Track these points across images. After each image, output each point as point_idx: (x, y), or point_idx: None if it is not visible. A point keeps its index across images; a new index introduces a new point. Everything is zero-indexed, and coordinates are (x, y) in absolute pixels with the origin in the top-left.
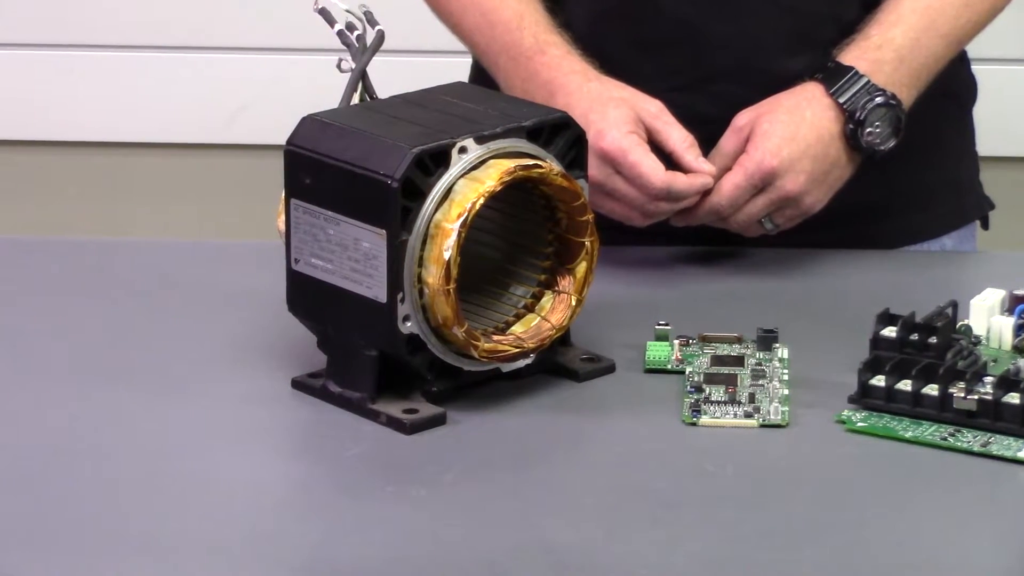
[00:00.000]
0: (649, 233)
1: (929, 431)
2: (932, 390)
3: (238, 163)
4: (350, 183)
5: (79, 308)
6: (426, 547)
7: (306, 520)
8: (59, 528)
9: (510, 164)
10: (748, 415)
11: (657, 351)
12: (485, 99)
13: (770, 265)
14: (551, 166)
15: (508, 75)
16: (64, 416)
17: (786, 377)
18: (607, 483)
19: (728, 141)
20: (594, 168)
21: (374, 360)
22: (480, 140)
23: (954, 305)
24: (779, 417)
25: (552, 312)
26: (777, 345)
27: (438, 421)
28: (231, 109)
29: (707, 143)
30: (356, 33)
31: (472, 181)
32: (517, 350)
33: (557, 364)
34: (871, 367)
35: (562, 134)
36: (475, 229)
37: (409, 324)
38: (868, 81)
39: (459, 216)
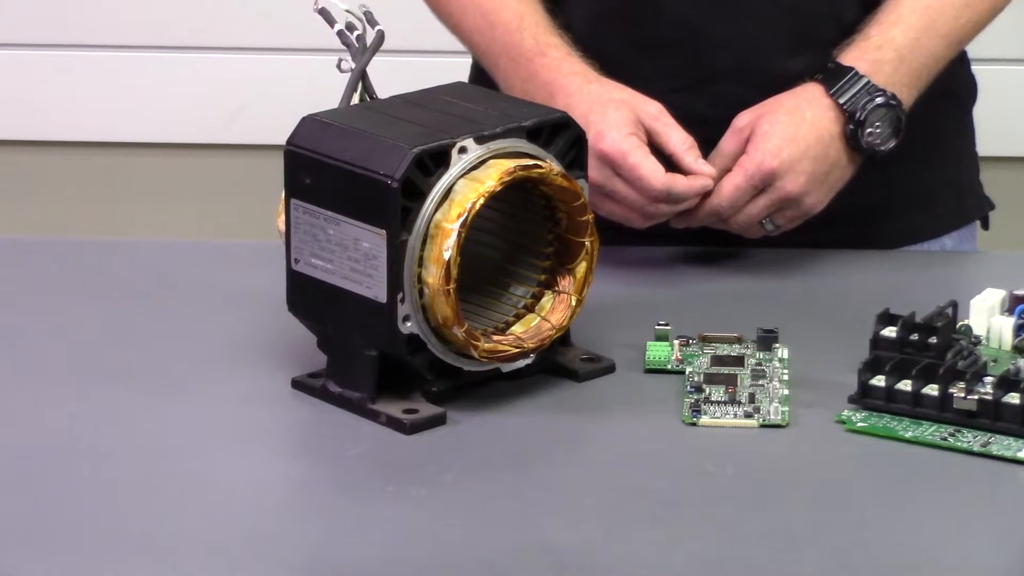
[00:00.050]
0: (649, 234)
1: (929, 431)
2: (932, 390)
3: (238, 163)
4: (350, 183)
5: (79, 308)
6: (426, 547)
7: (306, 520)
8: (59, 528)
9: (510, 164)
10: (748, 415)
11: (657, 351)
12: (485, 99)
13: (770, 265)
14: (551, 166)
15: (508, 76)
16: (64, 416)
17: (786, 377)
18: (607, 483)
19: (728, 142)
20: (594, 170)
21: (374, 360)
22: (480, 140)
23: (954, 305)
24: (779, 417)
25: (552, 312)
26: (777, 345)
27: (438, 421)
28: (231, 109)
29: (707, 143)
30: (356, 33)
31: (472, 181)
32: (517, 350)
33: (557, 364)
34: (871, 367)
35: (562, 134)
36: (475, 229)
37: (409, 324)
38: (868, 81)
39: (459, 216)
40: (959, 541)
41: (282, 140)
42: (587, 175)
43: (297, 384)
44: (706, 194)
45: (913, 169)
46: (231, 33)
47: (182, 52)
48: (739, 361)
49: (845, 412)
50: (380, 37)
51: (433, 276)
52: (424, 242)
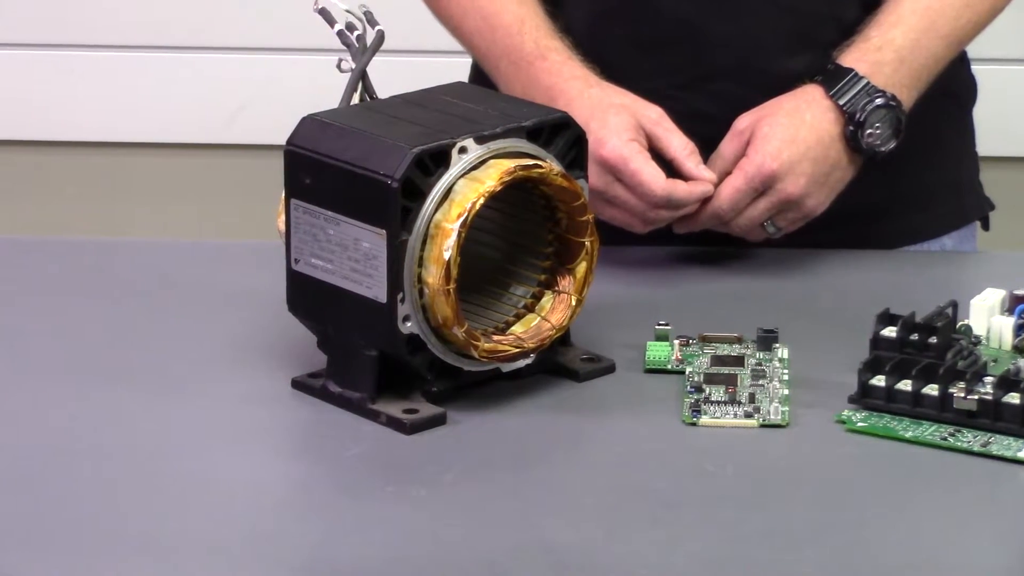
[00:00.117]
0: (649, 234)
1: (929, 431)
2: (932, 390)
3: (238, 163)
4: (350, 183)
5: (79, 308)
6: (426, 547)
7: (306, 520)
8: (59, 528)
9: (510, 164)
10: (748, 415)
11: (657, 351)
12: (485, 99)
13: (770, 265)
14: (551, 166)
15: (508, 79)
16: (64, 416)
17: (786, 377)
18: (607, 483)
19: (728, 145)
20: (595, 176)
21: (374, 360)
22: (480, 140)
23: (954, 305)
24: (779, 417)
25: (552, 312)
26: (777, 345)
27: (438, 421)
28: (231, 109)
29: (707, 143)
30: (356, 33)
31: (472, 181)
32: (517, 350)
33: (557, 364)
34: (871, 367)
35: (562, 134)
36: (475, 229)
37: (409, 324)
38: (868, 83)
39: (459, 216)
40: (959, 541)
41: (282, 140)
42: (587, 175)
43: (297, 384)
44: (707, 199)
45: (913, 169)
46: (231, 33)
47: (182, 52)
48: (739, 361)
49: (845, 412)
50: (380, 37)
51: (433, 276)
52: (424, 242)
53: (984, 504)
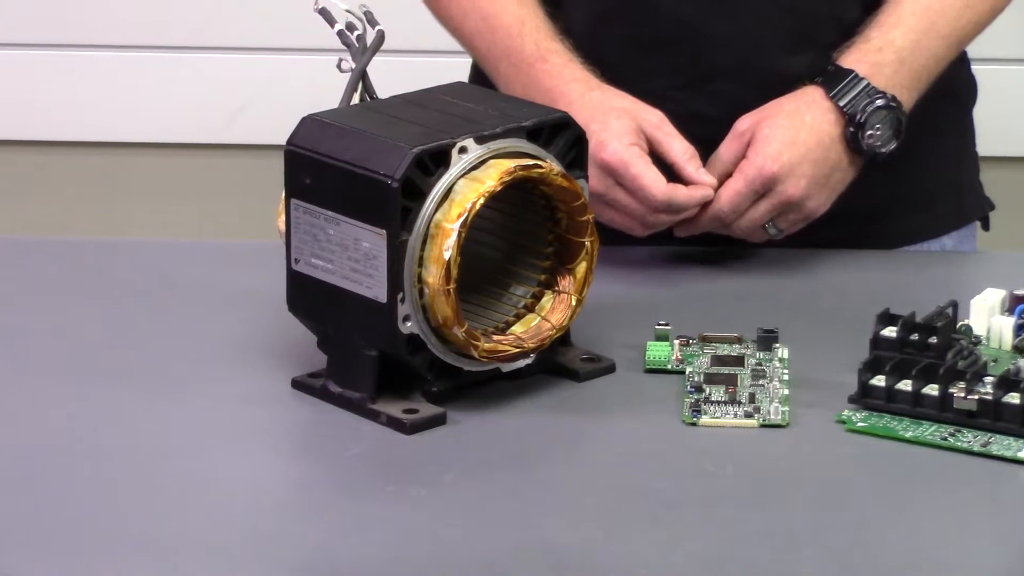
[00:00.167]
0: (650, 234)
1: (929, 431)
2: (932, 390)
3: (238, 163)
4: (350, 183)
5: (79, 308)
6: (426, 547)
7: (306, 520)
8: (59, 528)
9: (510, 164)
10: (748, 415)
11: (657, 351)
12: (485, 99)
13: (770, 265)
14: (551, 166)
15: (509, 81)
16: (64, 416)
17: (786, 377)
18: (607, 483)
19: (728, 147)
20: (595, 179)
21: (374, 360)
22: (480, 140)
23: (954, 305)
24: (779, 417)
25: (552, 312)
26: (777, 345)
27: (438, 421)
28: (231, 109)
29: (706, 143)
30: (356, 33)
31: (472, 181)
32: (517, 350)
33: (557, 364)
34: (871, 367)
35: (562, 134)
36: (475, 229)
37: (409, 324)
38: (868, 84)
39: (459, 216)
40: (959, 541)
41: (282, 140)
42: (587, 175)
43: (297, 384)
44: (707, 202)
45: (913, 169)
46: (231, 33)
47: (182, 52)
48: (739, 361)
49: (845, 412)
50: (380, 37)
51: (433, 276)
52: (424, 242)
53: (984, 504)
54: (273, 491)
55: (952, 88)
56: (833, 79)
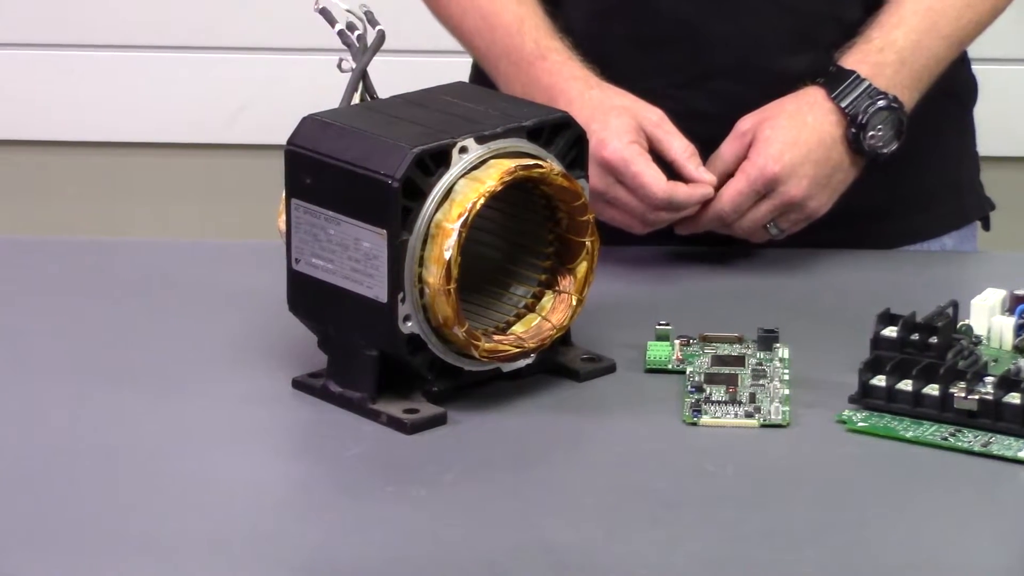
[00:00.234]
0: (650, 233)
1: (930, 431)
2: (933, 390)
3: (238, 163)
4: (351, 183)
5: (79, 308)
6: (426, 547)
7: (306, 520)
8: (59, 528)
9: (511, 164)
10: (749, 415)
11: (658, 351)
12: (485, 99)
13: (770, 265)
14: (552, 166)
15: (508, 79)
16: (64, 416)
17: (787, 377)
18: (607, 483)
19: (730, 147)
20: (596, 177)
21: (374, 360)
22: (481, 140)
23: (955, 305)
24: (780, 417)
25: (553, 312)
26: (778, 345)
27: (438, 421)
28: (231, 109)
29: (706, 142)
30: (357, 33)
31: (473, 181)
32: (518, 350)
33: (558, 364)
34: (872, 367)
35: (562, 134)
36: (476, 229)
37: (410, 324)
38: (870, 85)
39: (460, 216)
40: (959, 541)
41: (283, 140)
42: (587, 175)
43: (297, 384)
44: (708, 201)
45: (913, 169)
46: (232, 33)
47: (182, 52)
48: (740, 361)
49: (846, 412)
50: (381, 37)
51: (434, 276)
52: (425, 242)
53: (984, 504)
54: (273, 491)
55: (953, 88)
56: (835, 80)
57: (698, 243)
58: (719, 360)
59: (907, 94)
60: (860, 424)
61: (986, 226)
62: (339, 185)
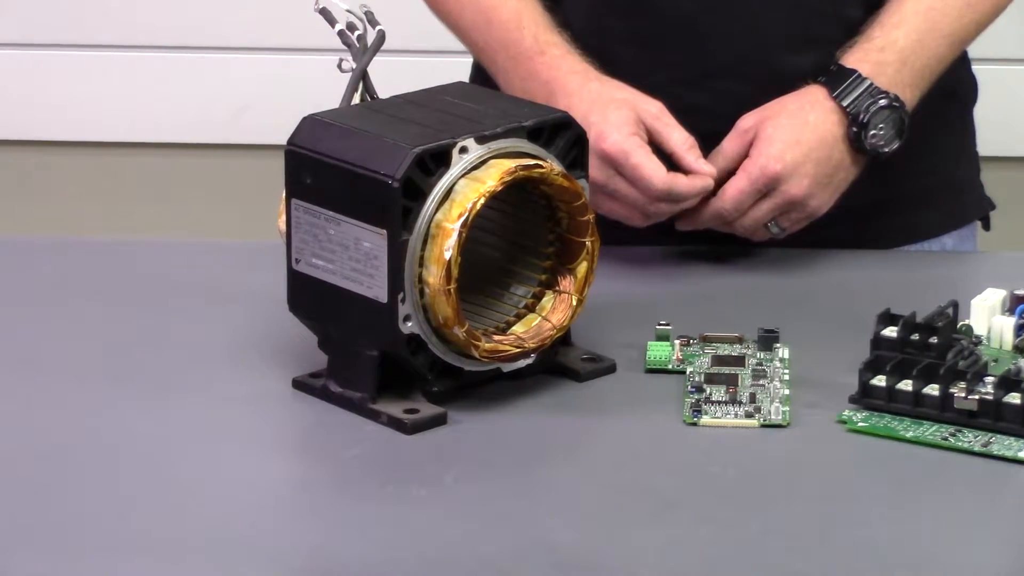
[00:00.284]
0: (651, 233)
1: (930, 431)
2: (933, 390)
3: (239, 163)
4: (351, 183)
5: (79, 308)
6: (426, 547)
7: (306, 520)
8: (59, 528)
9: (511, 164)
10: (749, 415)
11: (658, 351)
12: (486, 99)
13: (771, 265)
14: (552, 166)
15: (507, 74)
16: (64, 416)
17: (787, 377)
18: (607, 483)
19: (731, 143)
20: (595, 169)
21: (375, 360)
22: (481, 140)
23: (955, 305)
24: (780, 417)
25: (553, 312)
26: (778, 345)
27: (439, 421)
28: (232, 109)
29: (707, 139)
30: (357, 33)
31: (473, 181)
32: (518, 350)
33: (558, 364)
34: (872, 367)
35: (563, 134)
36: (476, 229)
37: (410, 324)
38: (871, 84)
39: (460, 216)
40: (959, 541)
41: (283, 140)
42: (588, 175)
43: (298, 384)
44: (709, 196)
45: (913, 169)
46: (232, 33)
47: (183, 52)
48: (740, 361)
49: (846, 412)
50: (381, 37)
51: (434, 276)
52: (425, 242)
53: (984, 504)
54: (273, 491)
55: (953, 87)
56: (836, 79)
57: (698, 242)
58: (719, 360)
59: (909, 93)
60: (860, 424)
61: (986, 226)
62: (339, 185)
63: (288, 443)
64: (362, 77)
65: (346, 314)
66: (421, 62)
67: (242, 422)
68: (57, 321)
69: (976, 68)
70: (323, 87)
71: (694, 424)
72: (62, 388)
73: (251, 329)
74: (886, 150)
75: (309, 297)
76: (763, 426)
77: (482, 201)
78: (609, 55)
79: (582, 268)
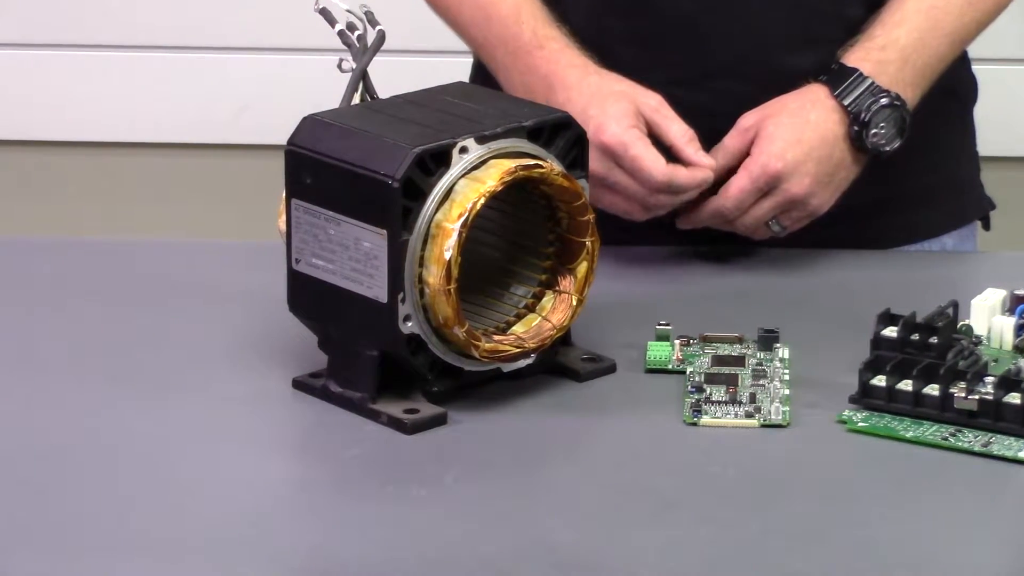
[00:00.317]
0: (651, 232)
1: (930, 431)
2: (933, 390)
3: (239, 163)
4: (351, 183)
5: (79, 308)
6: (426, 547)
7: (306, 520)
8: (59, 528)
9: (511, 164)
10: (749, 415)
11: (658, 351)
12: (486, 99)
13: (771, 265)
14: (552, 166)
15: (506, 69)
16: (64, 416)
17: (787, 377)
18: (607, 483)
19: (732, 141)
20: (595, 162)
21: (375, 360)
22: (481, 140)
23: (955, 305)
24: (780, 417)
25: (553, 312)
26: (778, 345)
27: (439, 421)
28: (232, 109)
29: (707, 138)
30: (357, 33)
31: (473, 181)
32: (518, 350)
33: (558, 364)
34: (872, 367)
35: (563, 134)
36: (476, 229)
37: (410, 324)
38: (872, 82)
39: (460, 216)
40: (959, 541)
41: (283, 140)
42: (587, 175)
43: (298, 384)
44: (710, 193)
45: (914, 168)
46: (232, 33)
47: (182, 52)
48: (740, 361)
49: (846, 412)
50: (381, 37)
51: (434, 276)
52: (425, 242)
53: (984, 504)
54: (273, 491)
55: (953, 86)
56: (837, 77)
57: (698, 242)
58: (719, 360)
59: (910, 92)
60: (860, 424)
61: (986, 226)
62: (339, 185)
63: (288, 443)
64: (362, 77)
65: (346, 314)
66: (421, 62)
67: (242, 422)
68: (56, 321)
69: (976, 68)
70: (323, 87)
71: (694, 424)
72: (61, 388)
73: (251, 329)
74: (887, 149)
75: (309, 297)
76: (763, 426)
77: (482, 201)
78: (609, 55)
79: (582, 268)
